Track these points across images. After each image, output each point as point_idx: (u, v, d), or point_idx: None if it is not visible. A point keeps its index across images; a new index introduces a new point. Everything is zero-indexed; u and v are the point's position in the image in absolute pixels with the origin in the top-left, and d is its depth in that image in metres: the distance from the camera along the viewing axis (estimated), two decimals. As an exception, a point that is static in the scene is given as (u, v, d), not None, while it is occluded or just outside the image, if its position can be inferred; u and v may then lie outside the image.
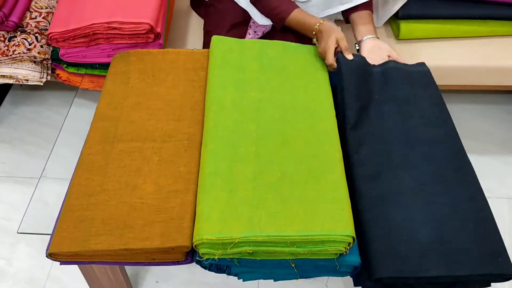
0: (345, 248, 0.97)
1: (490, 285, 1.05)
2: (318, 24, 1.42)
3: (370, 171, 1.14)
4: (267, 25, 1.60)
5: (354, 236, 0.97)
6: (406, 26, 1.70)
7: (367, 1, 1.51)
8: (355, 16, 1.53)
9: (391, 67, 1.37)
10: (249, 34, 1.62)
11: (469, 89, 1.83)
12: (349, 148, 1.19)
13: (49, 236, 1.07)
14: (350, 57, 1.35)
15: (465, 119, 1.99)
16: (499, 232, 1.05)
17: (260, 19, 1.57)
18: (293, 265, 1.02)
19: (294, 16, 1.47)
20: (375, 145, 1.19)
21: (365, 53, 1.45)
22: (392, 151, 1.18)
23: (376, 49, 1.45)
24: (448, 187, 1.11)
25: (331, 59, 1.35)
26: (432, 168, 1.15)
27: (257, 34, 1.60)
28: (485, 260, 1.00)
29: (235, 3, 1.62)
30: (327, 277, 1.07)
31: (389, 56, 1.43)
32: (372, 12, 1.55)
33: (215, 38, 1.43)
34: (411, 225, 1.04)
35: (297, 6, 1.49)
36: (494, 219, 1.07)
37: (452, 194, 1.10)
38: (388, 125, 1.24)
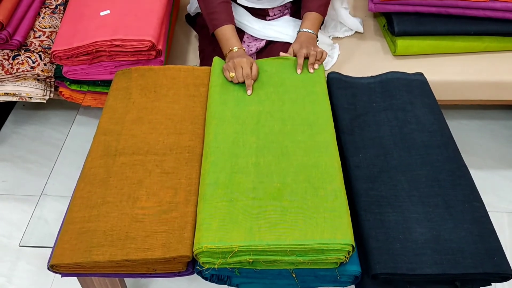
0: (345, 256, 0.98)
1: (490, 284, 1.06)
2: (229, 50, 1.44)
3: (367, 173, 1.18)
4: (261, 41, 1.64)
5: (354, 245, 0.98)
6: (402, 43, 1.73)
7: (321, 7, 1.56)
8: (306, 14, 1.58)
9: (389, 78, 1.43)
10: None
11: (466, 103, 1.85)
12: (347, 152, 1.23)
13: (50, 251, 1.07)
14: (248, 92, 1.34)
15: (463, 134, 2.01)
16: (495, 232, 1.07)
17: (252, 29, 1.63)
18: (293, 275, 1.03)
19: (223, 30, 1.48)
20: (372, 149, 1.24)
21: (297, 43, 1.48)
22: (388, 155, 1.22)
23: (309, 43, 1.48)
24: (443, 189, 1.14)
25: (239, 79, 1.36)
26: (428, 171, 1.18)
27: (251, 50, 1.64)
28: (480, 259, 1.01)
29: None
30: (327, 287, 1.06)
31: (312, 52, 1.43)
32: (323, 18, 1.60)
33: (216, 60, 1.46)
34: (407, 225, 1.07)
35: (232, 22, 1.50)
36: (490, 220, 1.09)
37: (447, 196, 1.13)
38: (385, 131, 1.28)
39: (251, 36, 1.66)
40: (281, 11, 1.69)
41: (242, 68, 1.35)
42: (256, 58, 1.64)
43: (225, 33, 1.48)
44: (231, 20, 1.51)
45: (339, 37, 1.85)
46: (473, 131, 2.03)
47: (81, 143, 1.94)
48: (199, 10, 1.81)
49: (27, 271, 1.59)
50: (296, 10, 1.70)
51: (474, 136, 2.01)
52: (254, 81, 1.36)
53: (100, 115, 1.35)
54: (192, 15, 1.86)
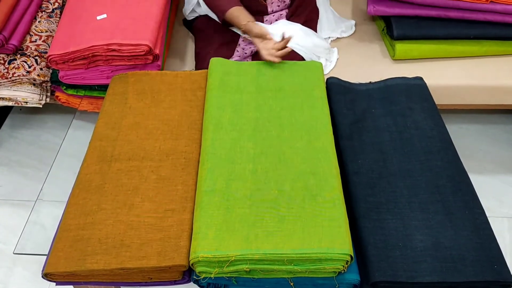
0: (343, 266, 0.97)
1: None
2: (244, 23, 1.52)
3: (366, 179, 1.17)
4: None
5: (352, 254, 0.97)
6: (401, 47, 1.72)
7: None
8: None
9: (388, 84, 1.42)
10: (237, 51, 1.65)
11: (466, 108, 1.83)
12: (345, 158, 1.22)
13: (45, 257, 1.06)
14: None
15: (463, 139, 1.99)
16: (495, 239, 1.06)
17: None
18: (291, 284, 1.01)
19: (230, 13, 1.54)
20: (371, 155, 1.23)
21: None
22: (387, 160, 1.22)
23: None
24: (443, 196, 1.13)
25: (267, 58, 1.44)
26: (427, 177, 1.17)
27: (245, 53, 1.64)
28: (480, 267, 1.00)
29: (222, 26, 1.66)
30: (326, 295, 1.05)
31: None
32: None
33: (213, 60, 1.44)
34: (406, 232, 1.06)
35: (237, 4, 1.56)
36: (490, 227, 1.08)
37: (447, 203, 1.12)
38: (384, 136, 1.27)
39: (247, 39, 1.66)
40: (279, 6, 1.69)
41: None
42: (252, 60, 1.64)
43: (233, 15, 1.54)
44: (235, 2, 1.56)
45: (338, 38, 1.85)
46: (473, 135, 2.02)
47: (78, 147, 1.93)
48: (196, 14, 1.80)
49: (23, 277, 1.58)
50: (293, 13, 1.69)
51: (474, 141, 2.00)
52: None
53: (97, 118, 1.33)
54: (189, 19, 1.85)
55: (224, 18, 1.57)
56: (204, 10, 1.72)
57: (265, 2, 1.67)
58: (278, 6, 1.69)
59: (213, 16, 1.69)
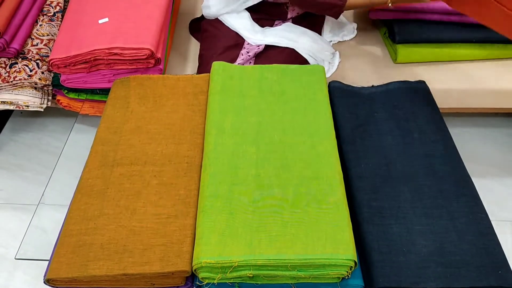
0: (347, 272, 0.96)
1: None
2: None
3: (369, 184, 1.17)
4: (259, 45, 1.64)
5: (356, 260, 0.96)
6: (403, 50, 1.72)
7: None
8: None
9: (391, 88, 1.42)
10: (242, 55, 1.65)
11: (468, 112, 1.83)
12: (348, 162, 1.22)
13: (47, 262, 1.06)
14: None
15: (465, 142, 1.99)
16: (499, 244, 1.06)
17: (253, 40, 1.63)
18: (295, 290, 1.01)
19: None
20: (374, 159, 1.23)
21: None
22: (390, 165, 1.21)
23: None
24: (446, 200, 1.13)
25: None
26: (431, 182, 1.17)
27: (249, 55, 1.63)
28: (485, 272, 1.00)
29: (228, 27, 1.66)
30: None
31: None
32: None
33: (215, 64, 1.44)
34: (410, 237, 1.06)
35: None
36: (494, 232, 1.08)
37: (451, 207, 1.12)
38: (387, 140, 1.27)
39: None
40: (299, 13, 1.70)
41: None
42: (254, 62, 1.64)
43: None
44: None
45: (339, 41, 1.85)
46: (476, 139, 2.01)
47: (80, 151, 1.92)
48: (215, 13, 1.77)
49: (24, 281, 1.57)
50: (301, 16, 1.71)
51: (477, 144, 1.99)
52: None
53: (99, 122, 1.33)
54: (210, 18, 1.81)
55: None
56: (214, 11, 1.73)
57: (287, 9, 1.68)
58: (298, 13, 1.70)
59: (222, 18, 1.70)
